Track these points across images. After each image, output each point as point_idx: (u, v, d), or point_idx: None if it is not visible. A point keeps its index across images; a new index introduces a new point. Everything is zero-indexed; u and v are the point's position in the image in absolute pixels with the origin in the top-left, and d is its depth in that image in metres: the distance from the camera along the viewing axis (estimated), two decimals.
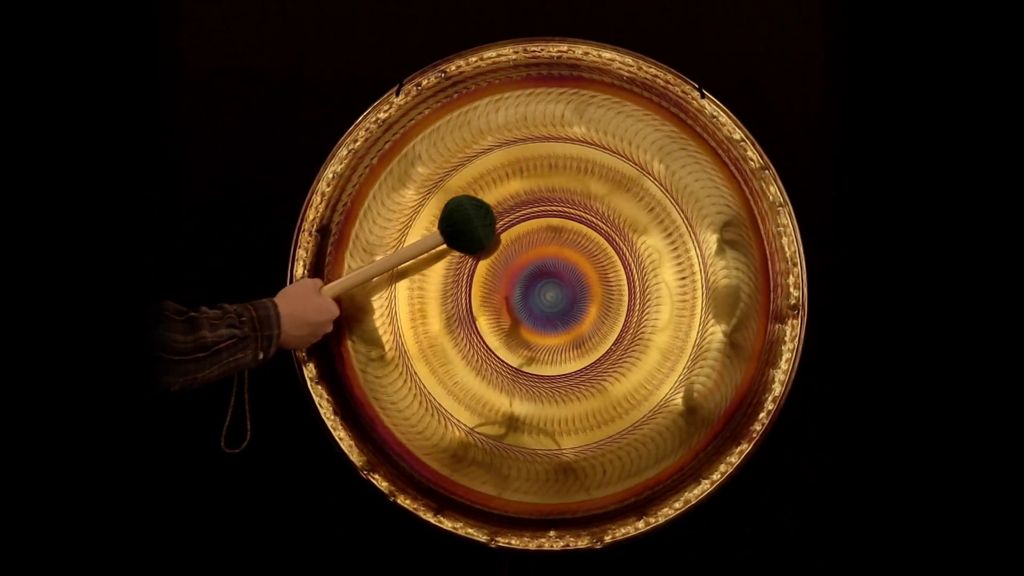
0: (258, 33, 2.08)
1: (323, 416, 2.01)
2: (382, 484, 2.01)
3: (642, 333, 2.03)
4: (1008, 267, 1.72)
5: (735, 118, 2.01)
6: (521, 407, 2.04)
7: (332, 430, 2.01)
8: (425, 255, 2.00)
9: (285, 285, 2.00)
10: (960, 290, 1.74)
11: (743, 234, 2.02)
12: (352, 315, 2.03)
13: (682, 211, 2.03)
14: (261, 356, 1.86)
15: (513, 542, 2.01)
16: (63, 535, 1.45)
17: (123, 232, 1.48)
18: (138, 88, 1.51)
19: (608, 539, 2.00)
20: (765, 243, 2.02)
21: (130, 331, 1.49)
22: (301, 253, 2.01)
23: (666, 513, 2.00)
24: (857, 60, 1.91)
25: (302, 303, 1.92)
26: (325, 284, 1.98)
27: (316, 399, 2.01)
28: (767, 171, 2.00)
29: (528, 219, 2.03)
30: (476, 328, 2.04)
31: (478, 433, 2.04)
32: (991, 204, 1.73)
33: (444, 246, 1.99)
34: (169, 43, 1.98)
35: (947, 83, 1.77)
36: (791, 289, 2.01)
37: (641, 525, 2.00)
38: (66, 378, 1.44)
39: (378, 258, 2.01)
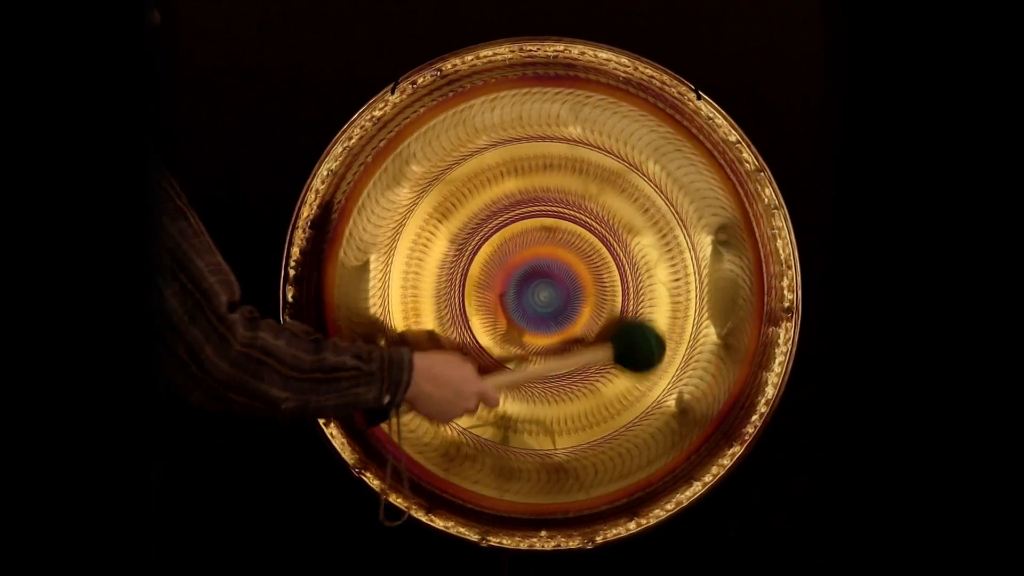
0: (255, 32, 2.08)
1: None
2: (374, 482, 2.01)
3: None
4: (1007, 272, 1.71)
5: (731, 120, 2.00)
6: (513, 407, 2.04)
7: (324, 427, 2.01)
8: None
9: (280, 283, 2.00)
10: (958, 294, 1.74)
11: (738, 236, 2.02)
12: (345, 314, 2.03)
13: (677, 212, 2.02)
14: (387, 399, 1.77)
15: (504, 541, 2.01)
16: (58, 533, 1.45)
17: (122, 232, 1.48)
18: (136, 85, 1.51)
19: (599, 539, 2.00)
20: (760, 245, 2.01)
21: (129, 332, 1.49)
22: (294, 250, 2.00)
23: (658, 514, 2.00)
24: (856, 61, 1.90)
25: (444, 364, 1.83)
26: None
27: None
28: (763, 173, 2.00)
29: (522, 219, 2.03)
30: (469, 327, 2.04)
31: (470, 432, 2.04)
32: (991, 208, 1.72)
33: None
34: (168, 42, 1.98)
35: (947, 84, 1.76)
36: (785, 292, 2.00)
37: (632, 526, 2.00)
38: (64, 378, 1.44)
39: (537, 366, 1.99)
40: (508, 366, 2.01)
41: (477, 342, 2.03)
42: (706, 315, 2.02)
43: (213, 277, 1.64)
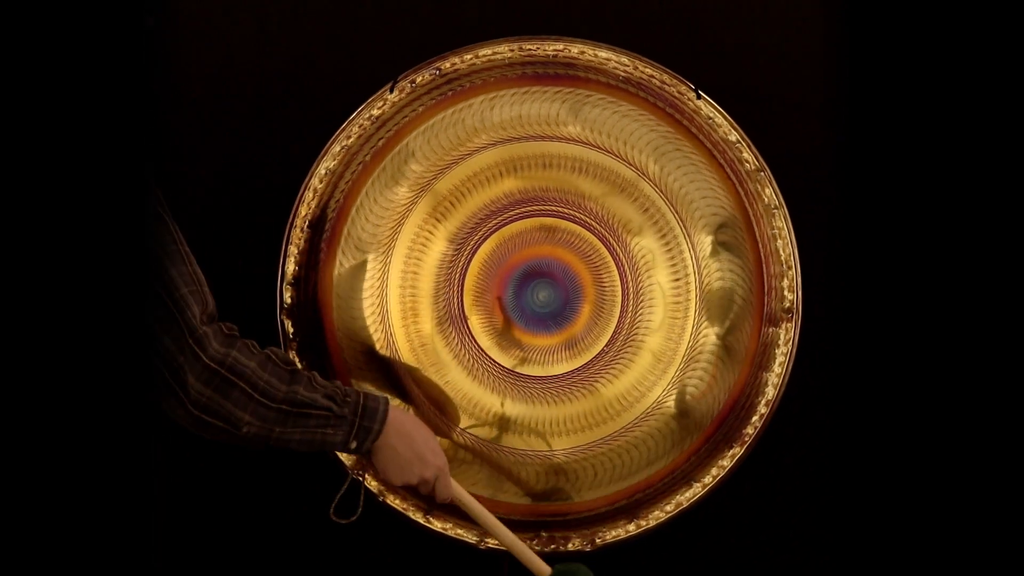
0: (253, 31, 2.08)
1: None
2: (372, 484, 1.99)
3: (635, 335, 2.02)
4: (1006, 270, 1.71)
5: (731, 119, 1.99)
6: (512, 408, 2.03)
7: None
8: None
9: (277, 281, 1.99)
10: (957, 294, 1.73)
11: (738, 236, 2.01)
12: (343, 313, 2.02)
13: (676, 212, 2.01)
14: (354, 445, 1.76)
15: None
16: (62, 535, 1.45)
17: (121, 233, 1.47)
18: (136, 86, 1.50)
19: (599, 541, 1.99)
20: (760, 246, 2.01)
21: (128, 333, 1.48)
22: (292, 249, 1.99)
23: (657, 516, 1.99)
24: (856, 60, 1.90)
25: (416, 425, 1.82)
26: None
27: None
28: (763, 173, 1.99)
29: (521, 218, 2.02)
30: (468, 328, 2.03)
31: (469, 433, 2.03)
32: (990, 207, 1.72)
33: None
34: (165, 41, 1.97)
35: (947, 84, 1.76)
36: (785, 292, 1.99)
37: (632, 528, 1.99)
38: (64, 379, 1.44)
39: (493, 522, 1.90)
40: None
41: (476, 342, 2.02)
42: (705, 315, 2.02)
43: (186, 288, 1.62)
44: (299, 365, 1.90)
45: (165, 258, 1.61)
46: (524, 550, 1.90)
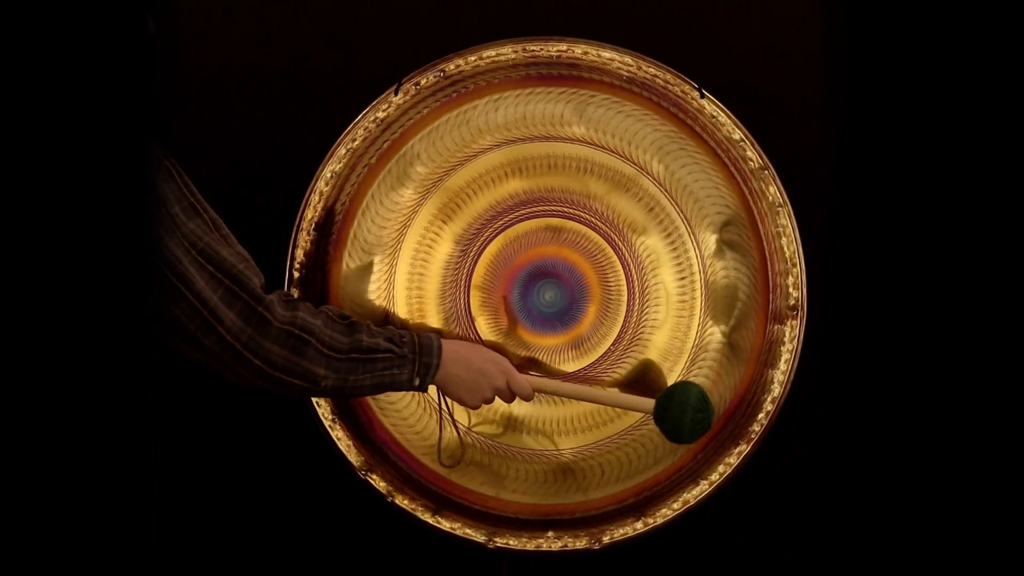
0: (257, 34, 2.08)
1: (320, 415, 2.00)
2: (380, 484, 2.00)
3: (641, 333, 2.03)
4: (1009, 267, 1.72)
5: (734, 118, 2.00)
6: (519, 407, 2.03)
7: (329, 430, 2.00)
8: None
9: (284, 285, 1.99)
10: (961, 291, 1.74)
11: (742, 234, 2.02)
12: (350, 315, 2.02)
13: (681, 211, 2.02)
14: (417, 382, 1.86)
15: (511, 542, 2.00)
16: (62, 535, 1.44)
17: (119, 233, 1.47)
18: (137, 88, 1.50)
19: (607, 540, 2.00)
20: (764, 243, 2.02)
21: (128, 331, 1.48)
22: (299, 252, 2.00)
23: (664, 514, 2.00)
24: (857, 60, 1.91)
25: (470, 347, 1.93)
26: None
27: (313, 398, 2.00)
28: (766, 171, 2.00)
29: (527, 219, 2.03)
30: (475, 328, 2.03)
31: (476, 433, 2.04)
32: (992, 205, 1.73)
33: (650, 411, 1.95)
34: (169, 45, 1.97)
35: (947, 83, 1.77)
36: (790, 290, 2.01)
37: (640, 526, 2.00)
38: (64, 379, 1.44)
39: (578, 387, 1.98)
40: (533, 374, 2.00)
41: (482, 342, 2.03)
42: (711, 314, 2.03)
43: (240, 264, 1.73)
44: None
45: (213, 242, 1.71)
46: (625, 398, 1.97)
